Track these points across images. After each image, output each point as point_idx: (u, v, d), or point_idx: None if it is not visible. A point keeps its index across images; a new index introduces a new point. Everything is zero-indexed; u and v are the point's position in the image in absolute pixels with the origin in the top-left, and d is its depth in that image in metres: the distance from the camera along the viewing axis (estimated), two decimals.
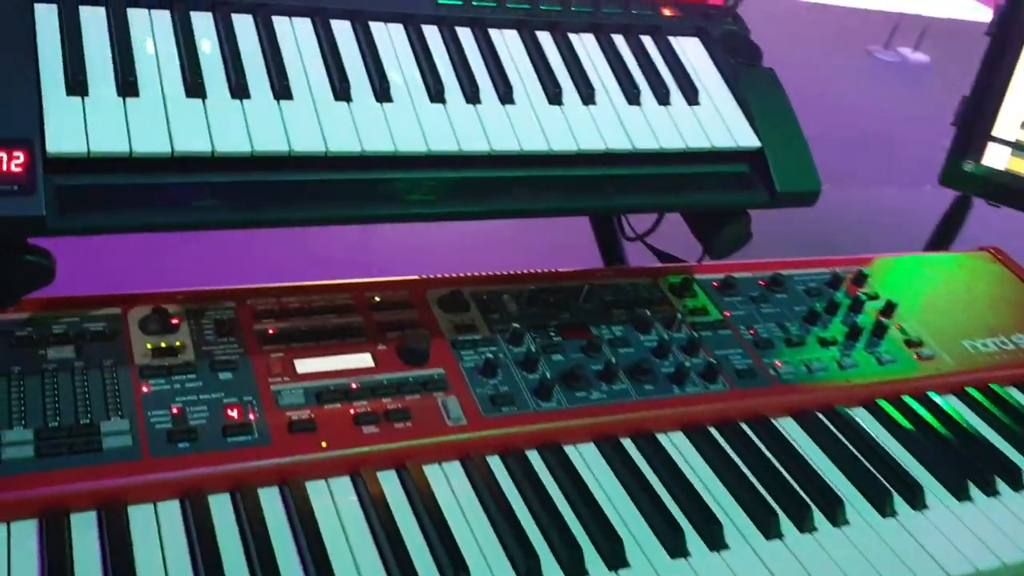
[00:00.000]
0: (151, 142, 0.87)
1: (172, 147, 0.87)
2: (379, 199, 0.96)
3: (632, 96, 1.12)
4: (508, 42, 1.11)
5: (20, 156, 0.81)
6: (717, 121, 1.14)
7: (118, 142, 0.85)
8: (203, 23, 0.98)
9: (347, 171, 0.95)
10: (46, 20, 0.91)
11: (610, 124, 1.08)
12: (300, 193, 0.93)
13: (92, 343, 0.98)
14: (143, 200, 0.87)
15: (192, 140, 0.88)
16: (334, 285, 1.14)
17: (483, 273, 1.22)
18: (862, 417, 1.18)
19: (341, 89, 0.98)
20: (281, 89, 0.95)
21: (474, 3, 1.11)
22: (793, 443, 1.11)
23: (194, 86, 0.92)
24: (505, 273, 1.23)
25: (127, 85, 0.89)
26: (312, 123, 0.94)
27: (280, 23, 1.01)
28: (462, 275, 1.21)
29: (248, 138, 0.90)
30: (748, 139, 1.13)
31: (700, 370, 1.14)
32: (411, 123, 0.98)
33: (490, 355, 1.07)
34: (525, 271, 1.25)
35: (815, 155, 1.15)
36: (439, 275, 1.20)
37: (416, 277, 1.18)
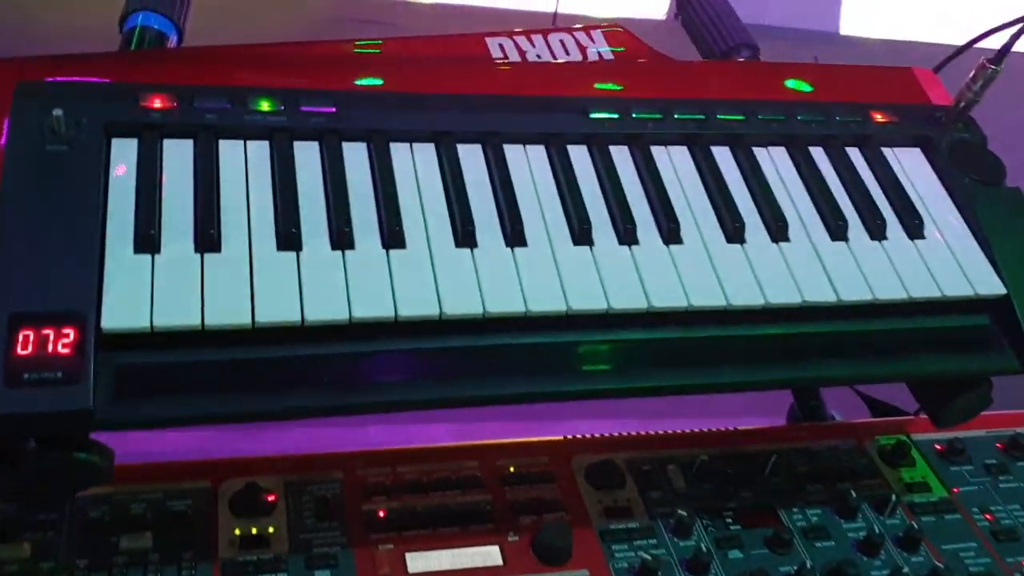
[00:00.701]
0: (227, 312, 0.70)
1: (253, 317, 0.70)
2: (501, 371, 0.76)
3: (837, 230, 0.88)
4: (676, 162, 0.90)
5: (69, 334, 0.66)
6: (948, 260, 0.87)
7: (188, 313, 0.69)
8: (307, 156, 0.82)
9: (465, 336, 0.76)
10: (122, 157, 0.77)
11: (808, 268, 0.84)
12: (405, 366, 0.74)
13: (173, 527, 0.84)
14: (218, 383, 0.70)
15: (278, 307, 0.71)
16: (459, 449, 0.96)
17: (643, 432, 1.01)
18: None
19: (464, 233, 0.79)
20: (391, 237, 0.77)
21: (634, 115, 0.90)
22: None
23: (287, 237, 0.75)
24: (671, 433, 1.01)
25: (207, 239, 0.73)
26: (427, 277, 0.76)
27: (398, 151, 0.84)
28: (616, 435, 1.00)
29: (347, 301, 0.73)
30: (989, 284, 0.86)
31: (922, 574, 0.89)
32: (548, 274, 0.78)
33: (648, 555, 0.86)
34: (696, 430, 1.03)
35: None
36: (588, 435, 0.99)
37: (559, 438, 0.98)
